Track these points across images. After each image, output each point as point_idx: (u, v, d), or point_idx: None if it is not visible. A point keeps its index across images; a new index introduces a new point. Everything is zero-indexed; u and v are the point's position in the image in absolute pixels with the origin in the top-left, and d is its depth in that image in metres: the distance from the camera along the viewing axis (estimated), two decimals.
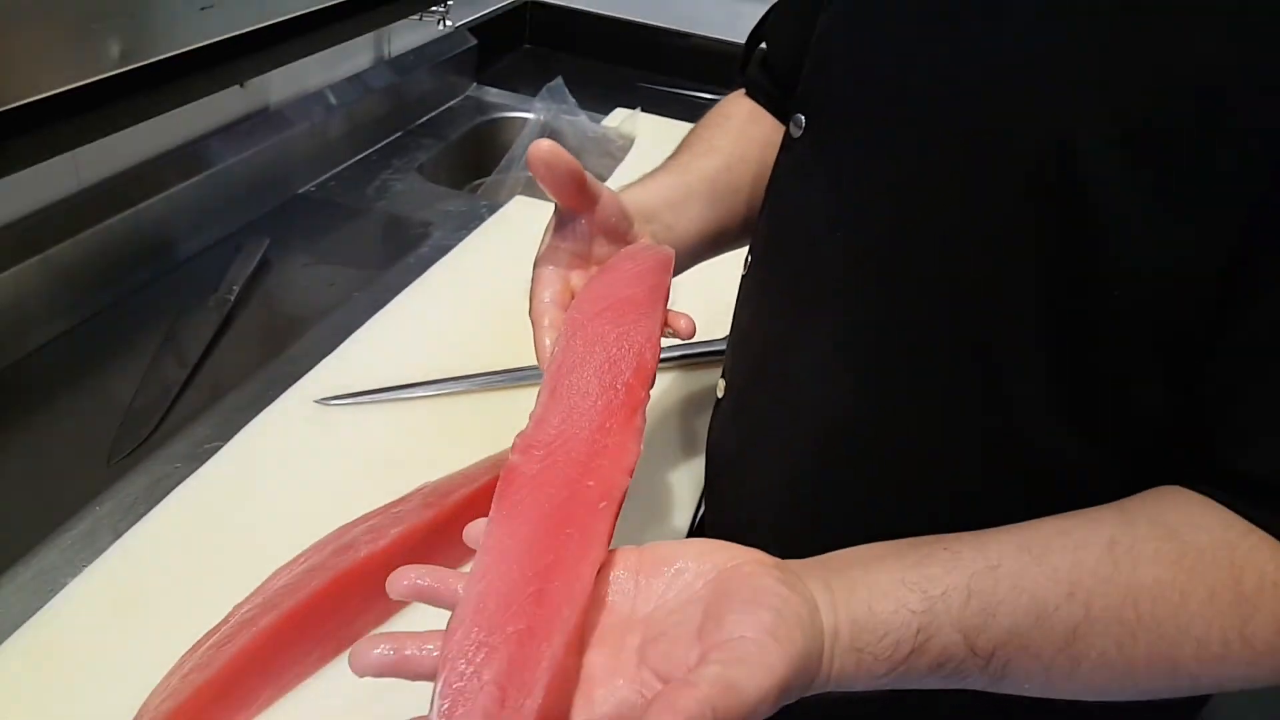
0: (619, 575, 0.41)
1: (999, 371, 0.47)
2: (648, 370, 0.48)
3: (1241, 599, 0.40)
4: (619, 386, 0.47)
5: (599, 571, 0.40)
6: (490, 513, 0.41)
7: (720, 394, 0.67)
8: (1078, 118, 0.41)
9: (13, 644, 0.54)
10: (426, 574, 0.40)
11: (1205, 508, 0.43)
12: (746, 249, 0.67)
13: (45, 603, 0.56)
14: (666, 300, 0.53)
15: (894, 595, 0.41)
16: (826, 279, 0.54)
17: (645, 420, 0.47)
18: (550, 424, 0.45)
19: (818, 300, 0.55)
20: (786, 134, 0.59)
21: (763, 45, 0.73)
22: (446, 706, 0.33)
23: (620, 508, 0.42)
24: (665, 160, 0.69)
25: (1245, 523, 0.42)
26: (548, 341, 0.53)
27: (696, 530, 0.74)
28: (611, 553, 0.41)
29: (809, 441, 0.57)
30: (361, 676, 0.37)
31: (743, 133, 0.71)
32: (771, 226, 0.61)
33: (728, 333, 0.68)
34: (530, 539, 0.39)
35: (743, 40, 0.75)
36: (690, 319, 0.55)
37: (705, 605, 0.39)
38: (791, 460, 0.58)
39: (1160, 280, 0.42)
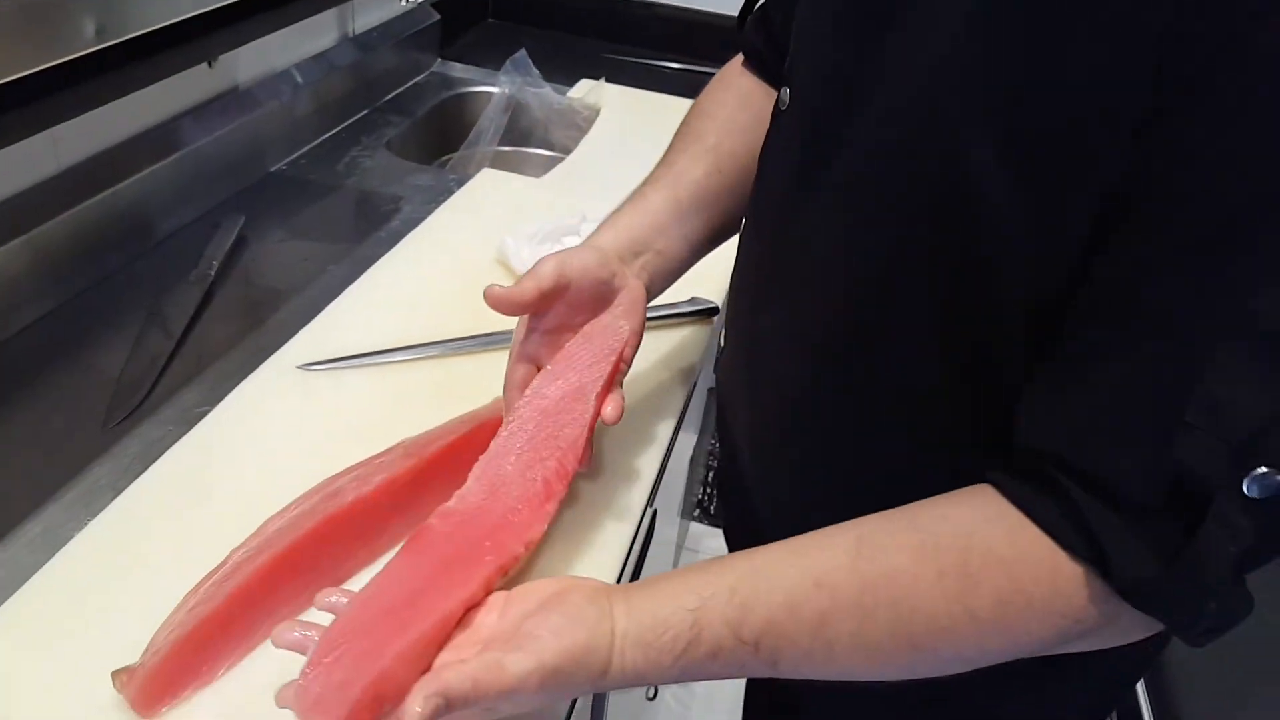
0: (491, 606, 0.51)
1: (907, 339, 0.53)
2: (567, 472, 0.59)
3: (966, 576, 0.46)
4: (537, 481, 0.58)
5: (476, 606, 0.51)
6: (396, 554, 0.53)
7: (722, 342, 0.73)
8: (968, 124, 0.45)
9: (24, 593, 0.58)
10: (299, 627, 0.49)
11: (975, 499, 0.48)
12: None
13: (52, 556, 0.61)
14: (614, 378, 0.63)
15: (675, 598, 0.49)
16: (793, 241, 0.58)
17: (558, 506, 0.58)
18: (470, 500, 0.56)
19: (790, 257, 0.59)
20: (776, 102, 0.62)
21: (762, 3, 0.75)
22: (301, 681, 0.45)
23: (509, 569, 0.54)
24: (657, 167, 0.74)
25: (1000, 506, 0.47)
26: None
27: (718, 475, 0.79)
28: (491, 594, 0.52)
29: (780, 400, 0.62)
30: (278, 648, 0.49)
31: (732, 122, 0.74)
32: (759, 189, 0.65)
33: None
34: (416, 577, 0.51)
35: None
36: (618, 406, 0.63)
37: (527, 618, 0.48)
38: (769, 410, 0.64)
39: (1030, 261, 0.46)
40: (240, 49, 1.04)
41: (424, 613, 0.48)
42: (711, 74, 0.81)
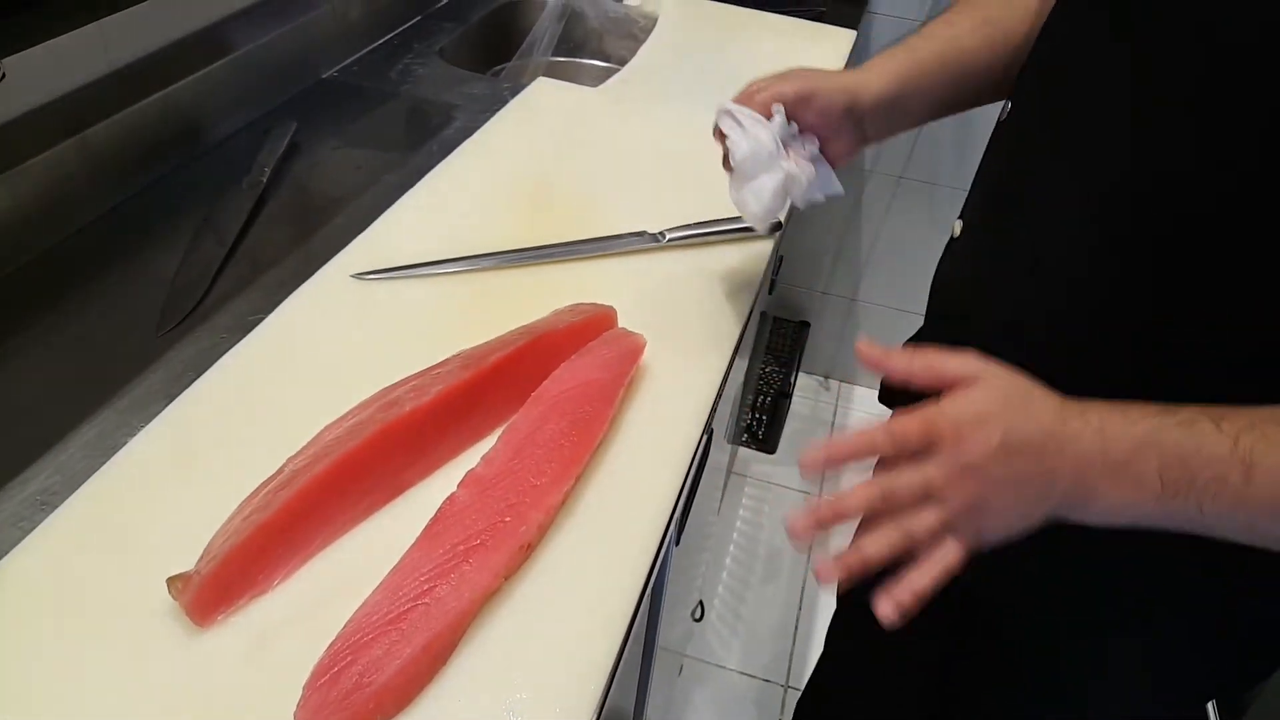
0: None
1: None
2: (580, 460, 0.60)
3: None
4: (555, 463, 0.58)
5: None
6: (422, 531, 0.54)
7: (957, 233, 0.73)
8: None
9: (79, 498, 0.57)
10: None
11: None
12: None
13: (108, 459, 0.60)
14: (626, 382, 0.66)
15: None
16: (1094, 128, 0.57)
17: (573, 485, 0.59)
18: (495, 465, 0.57)
19: (1079, 149, 0.58)
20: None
21: None
22: (303, 695, 0.47)
23: (533, 543, 0.56)
24: (934, 23, 0.76)
25: None
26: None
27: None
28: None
29: (1045, 277, 0.60)
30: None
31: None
32: (1044, 85, 0.64)
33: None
34: (431, 568, 0.52)
35: None
36: None
37: None
38: (1023, 296, 0.63)
39: None
40: None
41: (435, 616, 0.49)
42: None
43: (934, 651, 0.82)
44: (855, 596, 0.84)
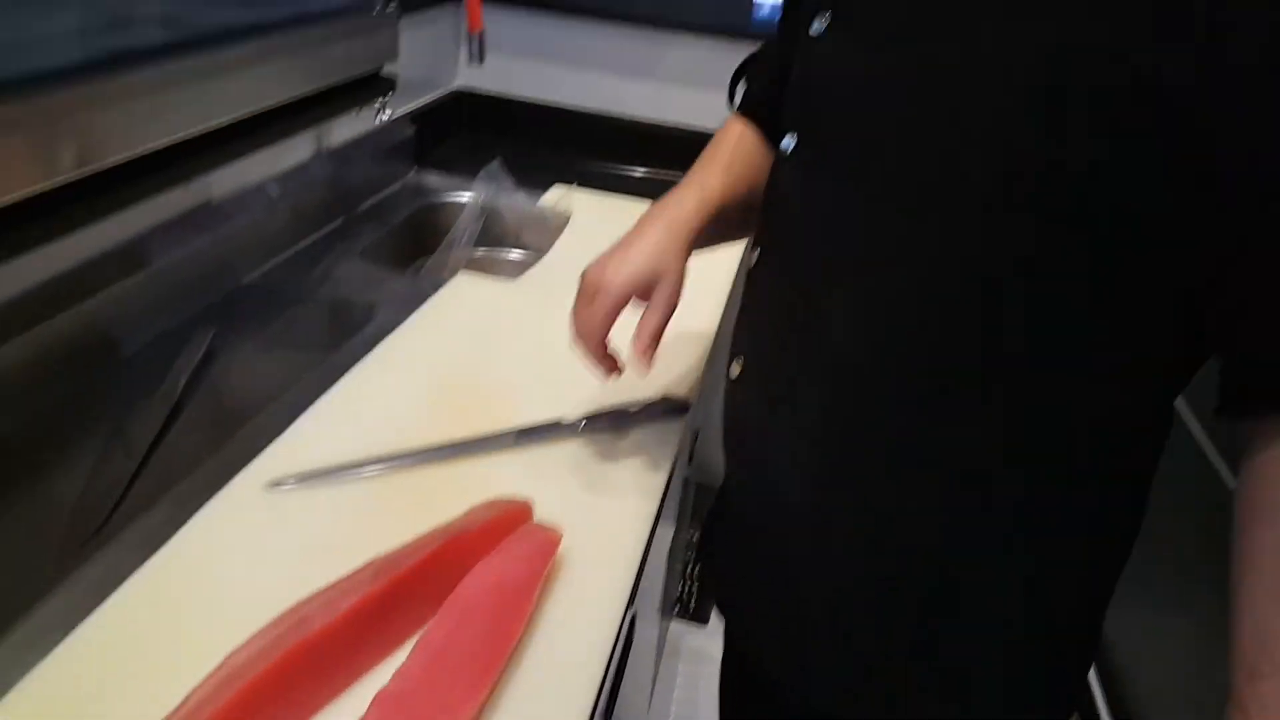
0: None
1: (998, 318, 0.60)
2: (497, 665, 0.60)
3: None
4: (470, 672, 0.58)
5: None
6: None
7: (735, 374, 0.76)
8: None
9: None
10: None
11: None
12: (748, 249, 0.79)
13: (2, 697, 0.57)
14: (544, 576, 0.67)
15: None
16: (841, 259, 0.65)
17: (491, 692, 0.59)
18: (408, 680, 0.56)
19: (834, 273, 0.66)
20: (780, 148, 0.71)
21: (749, 82, 0.88)
22: None
23: None
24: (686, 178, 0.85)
25: None
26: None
27: (719, 500, 0.84)
28: None
29: (838, 392, 0.66)
30: None
31: (744, 150, 0.86)
32: (784, 221, 0.72)
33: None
34: None
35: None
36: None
37: None
38: (816, 415, 0.68)
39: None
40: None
41: None
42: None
43: None
44: None
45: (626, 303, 0.76)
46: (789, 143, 0.70)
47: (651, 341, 0.76)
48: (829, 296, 0.67)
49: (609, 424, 0.89)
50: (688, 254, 0.78)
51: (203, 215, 1.07)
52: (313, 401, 0.89)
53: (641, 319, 0.77)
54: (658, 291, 0.77)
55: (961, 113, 0.58)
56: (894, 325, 0.64)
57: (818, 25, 0.68)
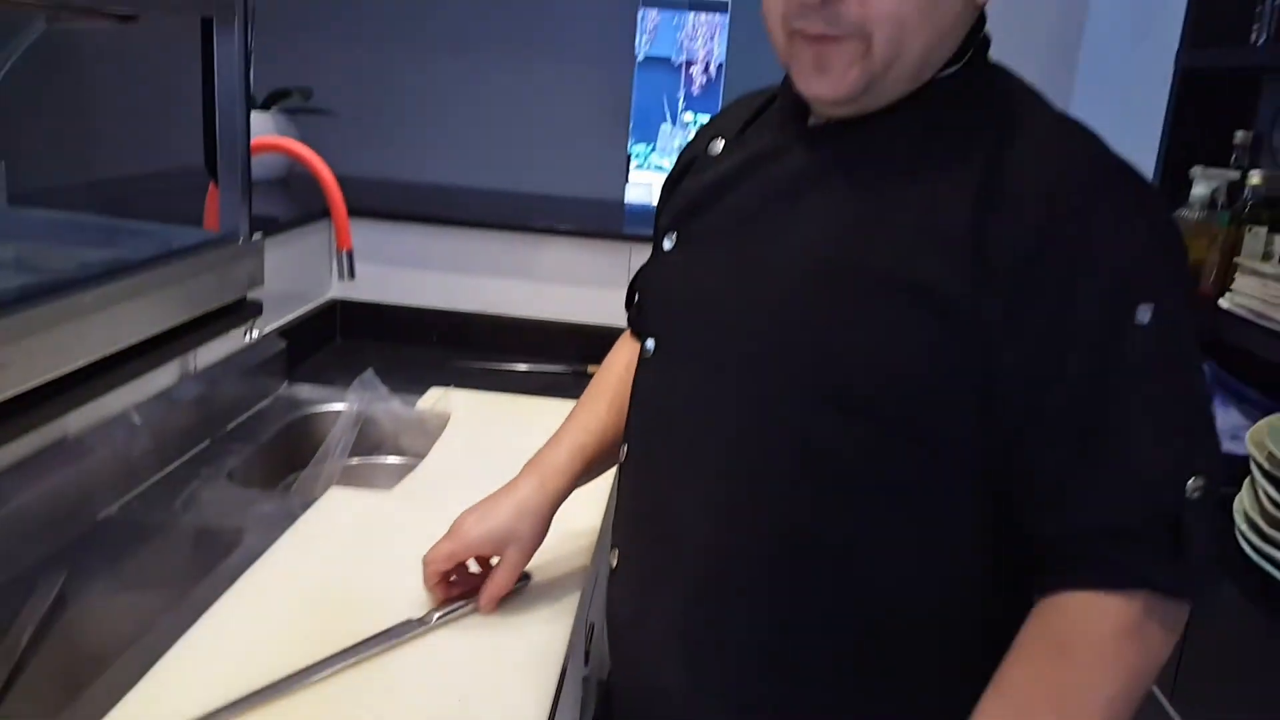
0: None
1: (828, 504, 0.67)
2: None
3: (1088, 667, 0.62)
4: None
5: None
6: None
7: (614, 564, 0.80)
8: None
9: None
10: None
11: (1035, 637, 0.63)
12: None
13: None
14: None
15: None
16: (694, 449, 0.72)
17: None
18: None
19: (689, 463, 0.72)
20: (642, 349, 0.79)
21: (636, 295, 0.96)
22: None
23: None
24: (567, 420, 0.94)
25: (1045, 620, 0.64)
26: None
27: (601, 701, 0.88)
28: None
29: (697, 582, 0.71)
30: None
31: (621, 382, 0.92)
32: (643, 419, 0.79)
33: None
34: None
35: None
36: None
37: None
38: (681, 607, 0.72)
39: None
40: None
41: None
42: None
43: None
44: None
45: (472, 556, 0.88)
46: (650, 345, 0.78)
47: (495, 597, 0.88)
48: (684, 490, 0.73)
49: (463, 610, 0.90)
50: (554, 508, 0.88)
51: (57, 451, 1.04)
52: (172, 644, 0.85)
53: (490, 577, 0.87)
54: (507, 554, 0.86)
55: (777, 315, 0.67)
56: (738, 516, 0.70)
57: (668, 243, 0.78)
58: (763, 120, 0.79)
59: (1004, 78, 0.72)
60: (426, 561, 0.88)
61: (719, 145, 0.79)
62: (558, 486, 0.88)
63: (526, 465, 0.91)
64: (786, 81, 0.74)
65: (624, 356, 0.96)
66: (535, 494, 0.87)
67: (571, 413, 0.95)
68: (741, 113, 0.81)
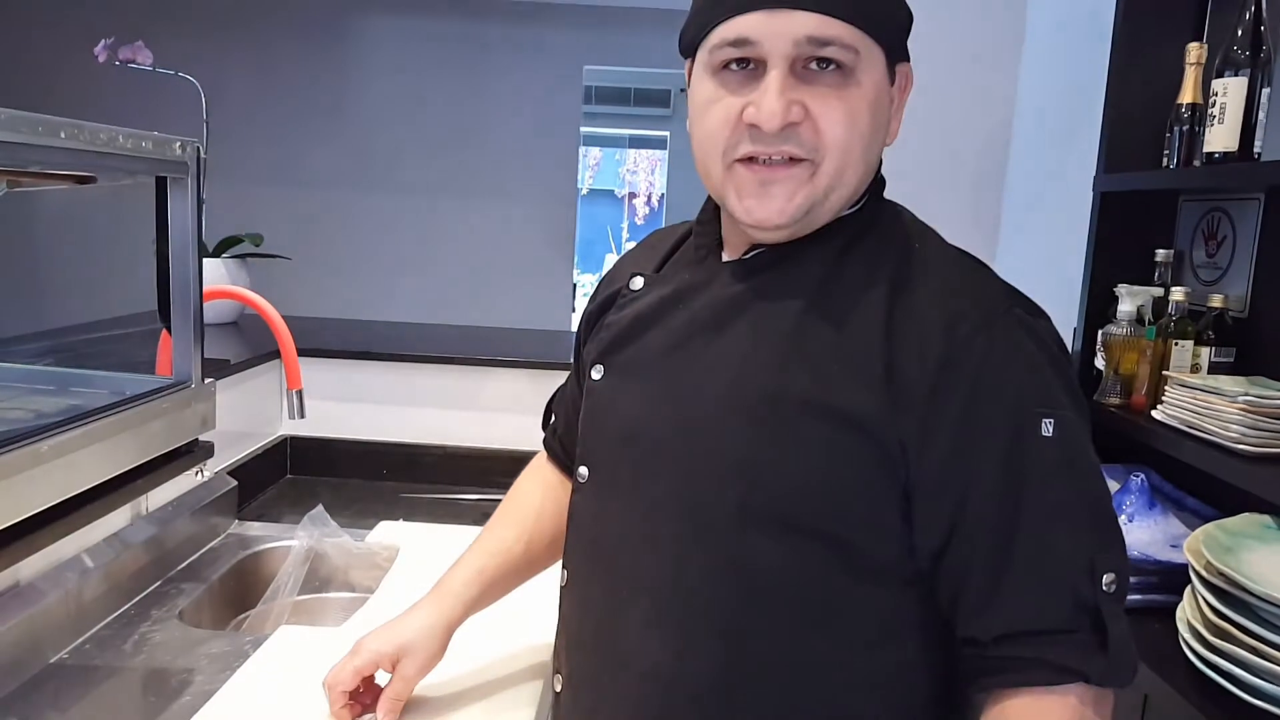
0: None
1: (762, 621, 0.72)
2: None
3: None
4: None
5: None
6: None
7: (558, 688, 0.82)
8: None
9: None
10: None
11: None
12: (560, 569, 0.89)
13: None
14: None
15: None
16: (634, 574, 0.75)
17: None
18: None
19: (631, 587, 0.76)
20: (576, 477, 0.83)
21: (553, 417, 1.03)
22: None
23: None
24: (474, 543, 0.99)
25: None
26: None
27: None
28: None
29: (645, 704, 0.74)
30: None
31: (537, 510, 0.99)
32: (582, 545, 0.83)
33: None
34: None
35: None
36: None
37: None
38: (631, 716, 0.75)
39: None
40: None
41: None
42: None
43: None
44: None
45: (372, 670, 0.91)
46: (584, 472, 0.83)
47: (393, 708, 0.90)
48: (628, 615, 0.76)
49: None
50: (449, 628, 0.92)
51: (11, 597, 1.06)
52: None
53: (386, 688, 0.91)
54: (403, 666, 0.89)
55: (706, 442, 0.72)
56: (683, 638, 0.73)
57: (595, 374, 0.83)
58: (679, 257, 0.84)
59: (899, 213, 0.79)
60: (330, 685, 0.90)
61: (639, 281, 0.83)
62: (452, 607, 0.92)
63: (431, 591, 0.95)
64: (701, 218, 0.82)
65: (534, 478, 1.02)
66: (430, 614, 0.92)
67: (479, 535, 0.99)
68: (658, 248, 0.87)
